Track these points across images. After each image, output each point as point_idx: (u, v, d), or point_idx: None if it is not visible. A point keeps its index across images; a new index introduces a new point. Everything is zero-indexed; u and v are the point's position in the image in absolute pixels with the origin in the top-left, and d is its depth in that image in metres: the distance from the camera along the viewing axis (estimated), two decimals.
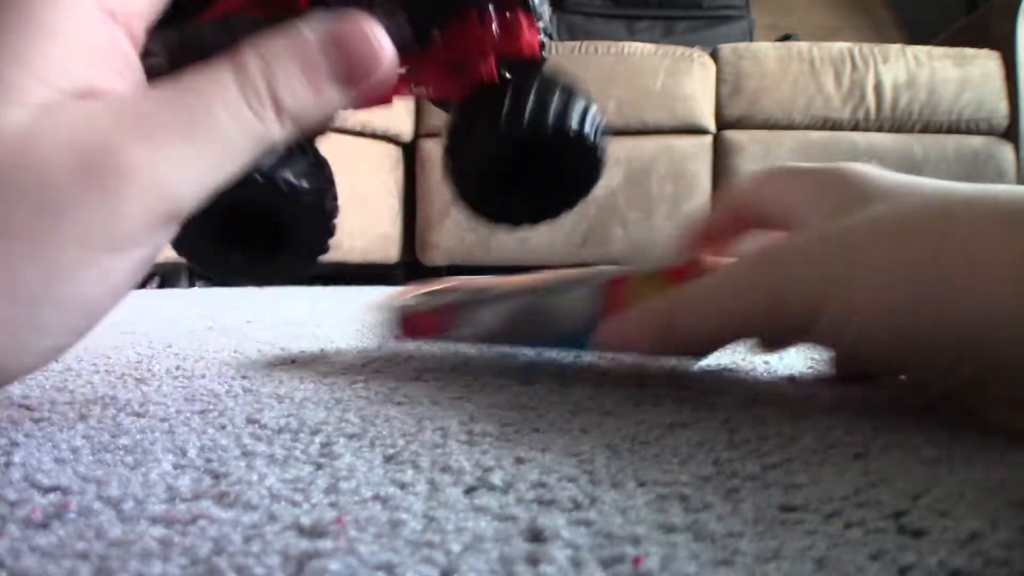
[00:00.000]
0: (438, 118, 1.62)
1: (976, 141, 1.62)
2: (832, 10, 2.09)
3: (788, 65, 1.62)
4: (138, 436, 0.22)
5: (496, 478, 0.19)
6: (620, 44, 1.65)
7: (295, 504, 0.17)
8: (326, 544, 0.14)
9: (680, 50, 1.63)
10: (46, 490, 0.17)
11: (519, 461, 0.20)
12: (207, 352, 0.44)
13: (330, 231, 0.25)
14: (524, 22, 0.23)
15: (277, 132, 0.20)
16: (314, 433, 0.23)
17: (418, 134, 1.68)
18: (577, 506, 0.17)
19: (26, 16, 0.18)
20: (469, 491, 0.18)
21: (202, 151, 0.19)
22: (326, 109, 0.21)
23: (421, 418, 0.25)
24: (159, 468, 0.19)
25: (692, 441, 0.22)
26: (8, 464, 0.19)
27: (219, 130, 0.19)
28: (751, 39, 1.82)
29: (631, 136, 1.60)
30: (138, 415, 0.26)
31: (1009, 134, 1.62)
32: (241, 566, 0.13)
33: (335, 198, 0.25)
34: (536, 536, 0.15)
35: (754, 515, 0.16)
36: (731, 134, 1.63)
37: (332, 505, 0.17)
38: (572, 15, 1.85)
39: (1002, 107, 1.61)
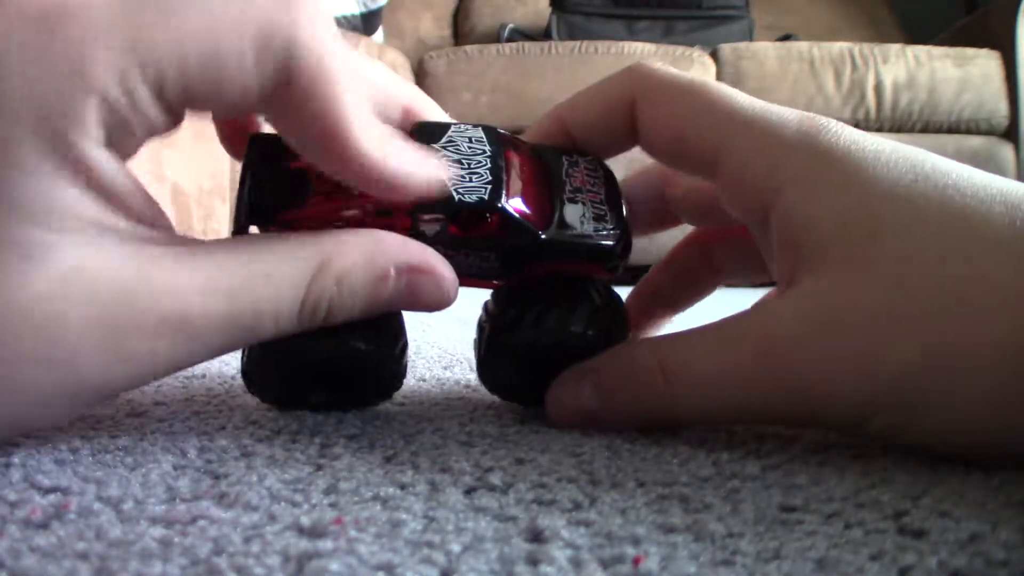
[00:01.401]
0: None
1: (976, 141, 1.62)
2: (832, 10, 2.09)
3: (788, 65, 1.62)
4: (138, 436, 0.22)
5: (496, 478, 0.19)
6: (620, 44, 1.65)
7: (295, 504, 0.17)
8: (326, 544, 0.14)
9: (680, 50, 1.63)
10: (46, 490, 0.17)
11: (519, 461, 0.20)
12: None
13: (401, 376, 0.25)
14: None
15: (306, 324, 0.20)
16: (314, 434, 0.23)
17: None
18: (577, 506, 0.17)
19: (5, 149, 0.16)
20: (469, 491, 0.18)
21: (231, 331, 0.19)
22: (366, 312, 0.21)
23: (421, 419, 0.25)
24: (159, 468, 0.19)
25: (692, 441, 0.22)
26: (8, 464, 0.19)
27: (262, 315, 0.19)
28: (751, 39, 1.82)
29: None
30: (138, 415, 0.25)
31: (1009, 134, 1.62)
32: (241, 566, 0.13)
33: (404, 348, 0.25)
34: (536, 536, 0.15)
35: (754, 515, 0.16)
36: None
37: (332, 505, 0.17)
38: (572, 15, 1.85)
39: (1002, 107, 1.61)
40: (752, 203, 0.23)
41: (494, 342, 0.25)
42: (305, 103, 0.18)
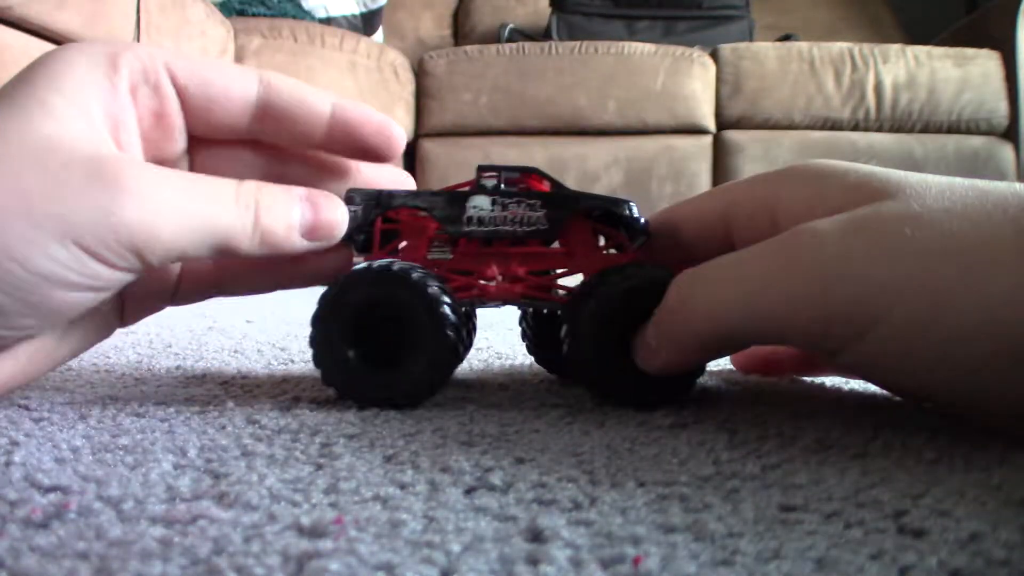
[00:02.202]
0: (438, 118, 1.62)
1: (976, 141, 1.61)
2: (832, 10, 2.09)
3: (788, 65, 1.61)
4: (138, 436, 0.22)
5: (496, 478, 0.19)
6: (620, 44, 1.65)
7: (295, 504, 0.17)
8: (326, 544, 0.14)
9: (680, 50, 1.63)
10: (46, 490, 0.17)
11: (519, 461, 0.20)
12: (207, 352, 0.44)
13: (450, 364, 0.28)
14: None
15: (248, 236, 0.25)
16: (314, 433, 0.23)
17: (418, 134, 1.68)
18: (577, 506, 0.17)
19: (72, 63, 0.24)
20: (469, 491, 0.18)
21: (189, 215, 0.23)
22: (287, 245, 0.26)
23: (420, 419, 0.25)
24: (159, 468, 0.19)
25: (692, 441, 0.22)
26: (8, 464, 0.19)
27: (210, 205, 0.24)
28: (751, 39, 1.82)
29: (631, 136, 1.60)
30: (138, 415, 0.25)
31: (1009, 134, 1.62)
32: (241, 566, 0.13)
33: (469, 343, 0.30)
34: (536, 536, 0.15)
35: (754, 515, 0.16)
36: (731, 134, 1.62)
37: (332, 505, 0.17)
38: (572, 15, 1.84)
39: (1002, 107, 1.60)
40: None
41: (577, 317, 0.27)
42: (284, 93, 0.27)
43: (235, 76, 0.27)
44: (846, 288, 0.21)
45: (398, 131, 0.29)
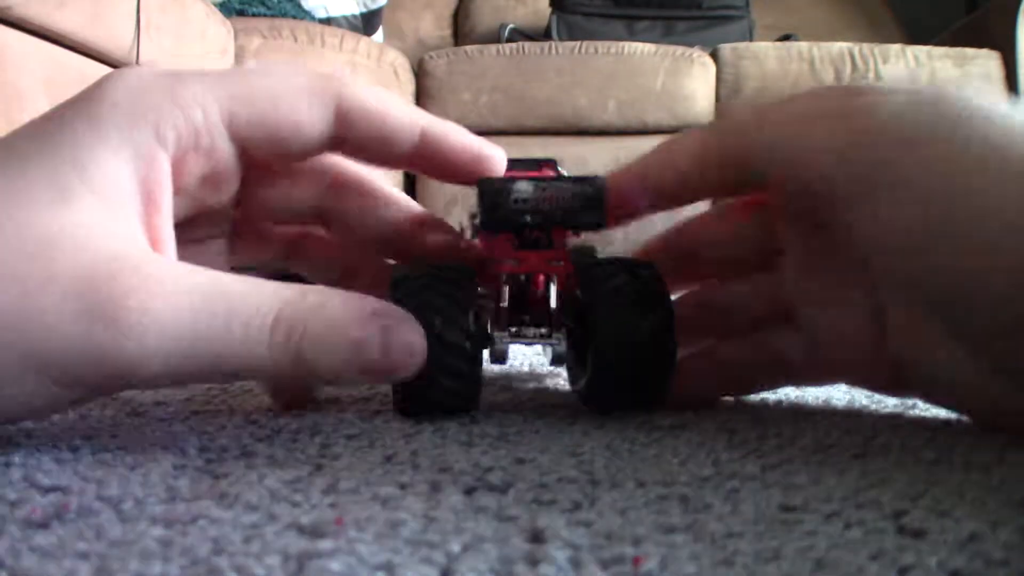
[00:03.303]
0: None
1: None
2: (832, 10, 2.09)
3: (788, 65, 1.62)
4: (138, 436, 0.22)
5: (496, 478, 0.19)
6: (620, 44, 1.65)
7: (295, 504, 0.17)
8: (326, 544, 0.14)
9: (680, 50, 1.63)
10: (46, 490, 0.17)
11: (519, 461, 0.20)
12: None
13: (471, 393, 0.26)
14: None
15: (279, 373, 0.21)
16: (314, 433, 0.23)
17: None
18: (577, 506, 0.17)
19: (101, 131, 0.20)
20: (469, 491, 0.18)
21: (202, 351, 0.19)
22: (332, 379, 0.22)
23: (421, 419, 0.25)
24: (159, 468, 0.19)
25: (692, 441, 0.22)
26: (8, 464, 0.19)
27: (234, 338, 0.19)
28: (751, 39, 1.82)
29: (631, 136, 1.60)
30: (138, 415, 0.25)
31: None
32: (241, 566, 0.13)
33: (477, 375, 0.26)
34: (536, 536, 0.15)
35: (754, 515, 0.16)
36: None
37: (332, 505, 0.17)
38: (572, 15, 1.85)
39: None
40: None
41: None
42: (362, 123, 0.23)
43: (305, 110, 0.22)
44: (886, 146, 0.21)
45: (498, 156, 0.26)
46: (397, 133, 0.24)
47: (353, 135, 0.23)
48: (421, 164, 0.25)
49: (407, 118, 0.24)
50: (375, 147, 0.24)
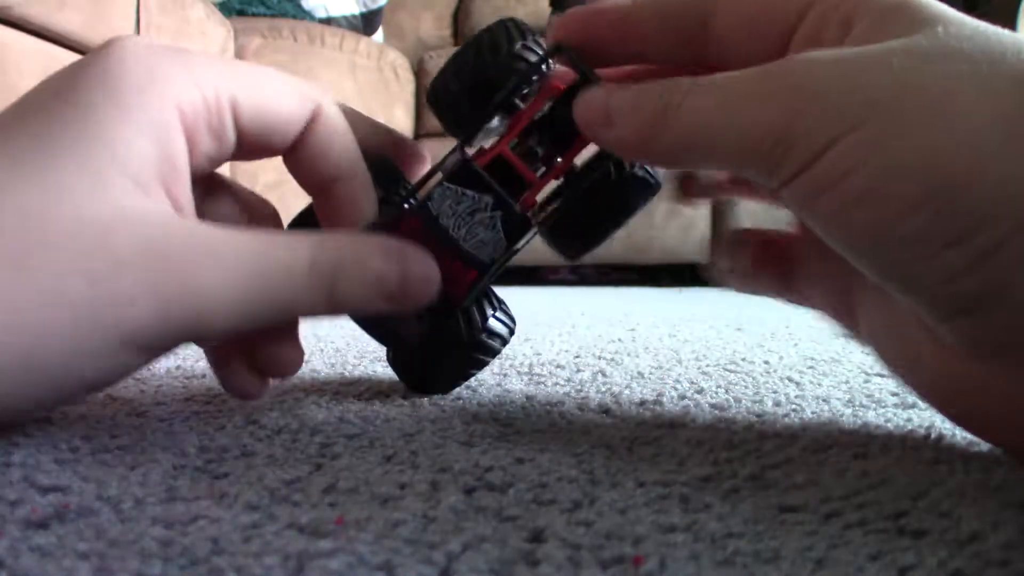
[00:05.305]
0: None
1: None
2: None
3: None
4: (138, 436, 0.22)
5: (495, 478, 0.19)
6: None
7: (294, 504, 0.17)
8: (326, 544, 0.14)
9: None
10: (46, 490, 0.17)
11: (519, 461, 0.20)
12: None
13: (473, 367, 0.29)
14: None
15: (317, 309, 0.22)
16: (314, 433, 0.23)
17: (418, 134, 1.68)
18: (576, 506, 0.17)
19: (122, 106, 0.20)
20: (468, 491, 0.18)
21: (255, 297, 0.21)
22: (362, 309, 0.23)
23: (421, 419, 0.25)
24: (159, 468, 0.19)
25: (692, 441, 0.22)
26: (8, 464, 0.19)
27: (280, 282, 0.21)
28: None
29: None
30: (138, 415, 0.26)
31: None
32: (241, 566, 0.13)
33: (494, 350, 0.29)
34: (535, 536, 0.15)
35: (754, 515, 0.16)
36: None
37: (332, 505, 0.17)
38: None
39: None
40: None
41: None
42: (328, 131, 0.25)
43: (297, 111, 0.25)
44: (813, 104, 0.19)
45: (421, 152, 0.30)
46: (351, 152, 0.26)
47: (311, 143, 0.25)
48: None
49: (372, 129, 0.28)
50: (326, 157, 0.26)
